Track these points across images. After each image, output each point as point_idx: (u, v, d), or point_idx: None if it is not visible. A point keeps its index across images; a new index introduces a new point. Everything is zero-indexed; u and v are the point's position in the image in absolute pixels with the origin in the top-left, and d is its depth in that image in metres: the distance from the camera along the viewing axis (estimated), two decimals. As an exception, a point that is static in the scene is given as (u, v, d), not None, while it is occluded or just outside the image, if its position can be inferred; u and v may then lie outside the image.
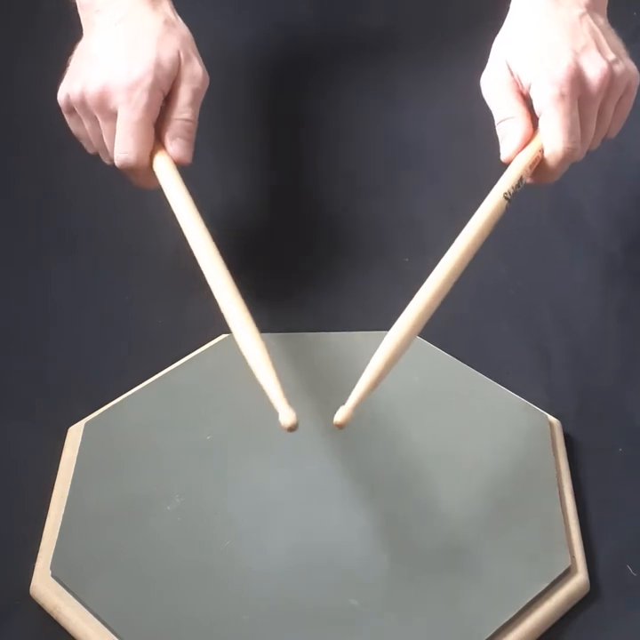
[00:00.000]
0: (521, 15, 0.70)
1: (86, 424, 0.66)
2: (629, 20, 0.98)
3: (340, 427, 0.54)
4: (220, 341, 0.72)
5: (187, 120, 0.71)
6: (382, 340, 0.72)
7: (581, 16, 0.69)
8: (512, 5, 0.72)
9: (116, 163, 0.69)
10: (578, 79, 0.65)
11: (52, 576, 0.58)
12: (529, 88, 0.67)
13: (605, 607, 0.59)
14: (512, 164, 0.66)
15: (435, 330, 0.72)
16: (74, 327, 0.75)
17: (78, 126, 0.73)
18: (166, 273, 0.79)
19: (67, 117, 0.73)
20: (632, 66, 0.69)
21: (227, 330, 0.72)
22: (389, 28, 1.01)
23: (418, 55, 0.98)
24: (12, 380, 0.71)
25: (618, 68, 0.67)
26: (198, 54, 0.73)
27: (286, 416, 0.53)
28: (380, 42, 1.00)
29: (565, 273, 0.79)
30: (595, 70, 0.66)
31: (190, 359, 0.71)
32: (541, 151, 0.66)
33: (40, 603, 0.59)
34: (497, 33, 0.72)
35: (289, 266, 0.79)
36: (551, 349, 0.73)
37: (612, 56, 0.67)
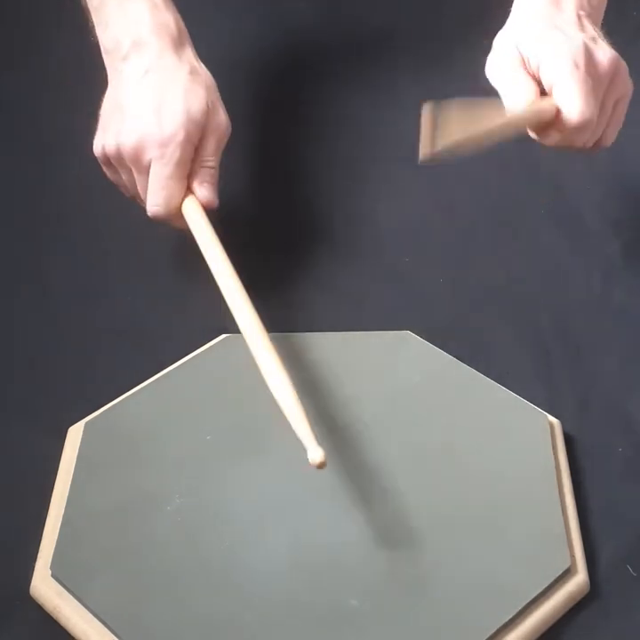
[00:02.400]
0: (524, 15, 0.70)
1: (86, 424, 0.66)
2: (629, 19, 0.99)
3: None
4: (219, 341, 0.72)
5: (211, 167, 0.73)
6: (382, 340, 0.72)
7: (583, 18, 0.69)
8: (513, 10, 0.72)
9: (149, 214, 0.72)
10: (590, 57, 0.65)
11: (52, 576, 0.58)
12: (538, 67, 0.66)
13: (605, 607, 0.59)
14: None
15: (435, 330, 0.72)
16: (74, 327, 0.75)
17: (115, 176, 0.75)
18: (166, 273, 0.79)
19: (104, 168, 0.76)
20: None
21: (227, 330, 0.72)
22: (389, 27, 1.01)
23: (418, 55, 0.98)
24: (12, 380, 0.71)
25: (623, 63, 0.67)
26: (221, 102, 0.75)
27: (315, 454, 0.55)
28: (380, 41, 1.00)
29: (565, 274, 0.79)
30: (605, 54, 0.66)
31: (190, 359, 0.71)
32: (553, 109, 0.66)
33: (40, 603, 0.59)
34: (497, 34, 0.72)
35: (288, 266, 0.79)
36: (551, 349, 0.73)
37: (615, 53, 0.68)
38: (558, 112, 0.65)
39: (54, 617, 0.58)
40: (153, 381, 0.69)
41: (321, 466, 0.55)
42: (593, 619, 0.58)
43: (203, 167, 0.73)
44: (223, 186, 0.86)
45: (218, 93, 0.75)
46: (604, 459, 0.66)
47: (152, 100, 0.71)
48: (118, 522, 0.60)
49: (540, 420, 0.66)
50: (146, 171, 0.71)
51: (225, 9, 1.02)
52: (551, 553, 0.59)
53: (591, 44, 0.67)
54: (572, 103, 0.65)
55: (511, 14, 0.71)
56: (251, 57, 0.99)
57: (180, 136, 0.70)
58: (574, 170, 0.81)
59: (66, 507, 0.61)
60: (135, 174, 0.72)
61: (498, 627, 0.56)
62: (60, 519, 0.61)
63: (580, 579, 0.59)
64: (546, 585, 0.57)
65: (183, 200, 0.72)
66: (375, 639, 0.56)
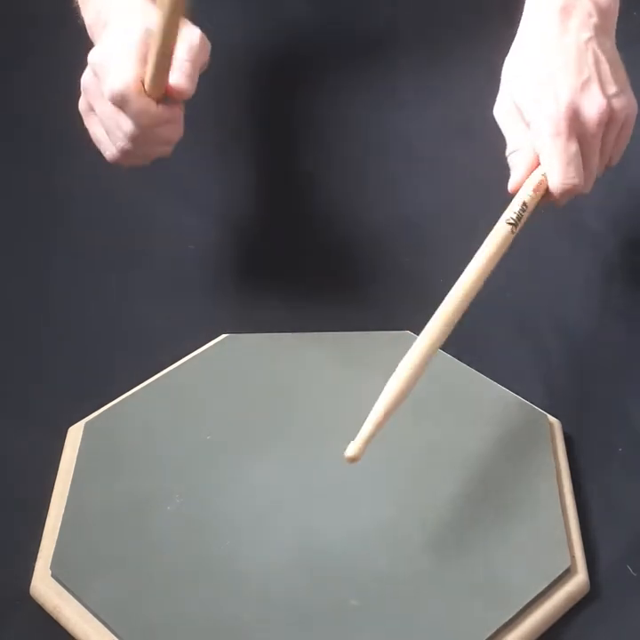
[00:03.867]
0: (528, 38, 0.70)
1: (86, 424, 0.66)
2: (629, 20, 0.98)
3: (353, 460, 0.55)
4: (219, 341, 0.72)
5: (186, 69, 0.68)
6: (382, 340, 0.72)
7: (588, 41, 0.68)
8: (521, 23, 0.71)
9: (108, 96, 0.67)
10: (575, 118, 0.66)
11: (52, 576, 0.58)
12: (529, 125, 0.67)
13: (605, 607, 0.59)
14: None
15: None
16: (74, 327, 0.75)
17: (95, 126, 0.72)
18: (166, 273, 0.79)
19: (85, 120, 0.72)
20: (633, 99, 0.69)
21: (227, 330, 0.72)
22: (389, 28, 1.01)
23: (418, 55, 0.98)
24: (12, 380, 0.71)
25: (617, 102, 0.67)
26: (197, 27, 0.71)
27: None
28: (380, 42, 1.00)
29: (565, 274, 0.79)
30: (592, 108, 0.66)
31: (190, 359, 0.71)
32: (545, 176, 0.67)
33: (40, 603, 0.59)
34: (497, 34, 0.72)
35: (289, 266, 0.79)
36: (551, 349, 0.73)
37: (613, 89, 0.67)
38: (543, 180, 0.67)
39: (54, 617, 0.58)
40: (153, 381, 0.69)
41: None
42: (593, 619, 0.58)
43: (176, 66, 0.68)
44: (223, 186, 0.86)
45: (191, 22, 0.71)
46: (604, 459, 0.66)
47: (117, 29, 0.70)
48: (118, 522, 0.61)
49: (540, 420, 0.66)
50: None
51: (222, 8, 1.02)
52: (551, 553, 0.59)
53: (580, 97, 0.66)
54: (553, 174, 0.66)
55: (516, 37, 0.71)
56: (249, 56, 0.99)
57: (139, 34, 0.68)
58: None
59: (66, 507, 0.61)
60: (105, 94, 0.68)
61: (498, 627, 0.56)
62: (60, 519, 0.61)
63: (579, 579, 0.59)
64: (546, 585, 0.57)
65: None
66: (375, 639, 0.56)
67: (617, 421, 0.68)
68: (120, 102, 0.68)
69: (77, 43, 0.76)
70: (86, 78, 0.70)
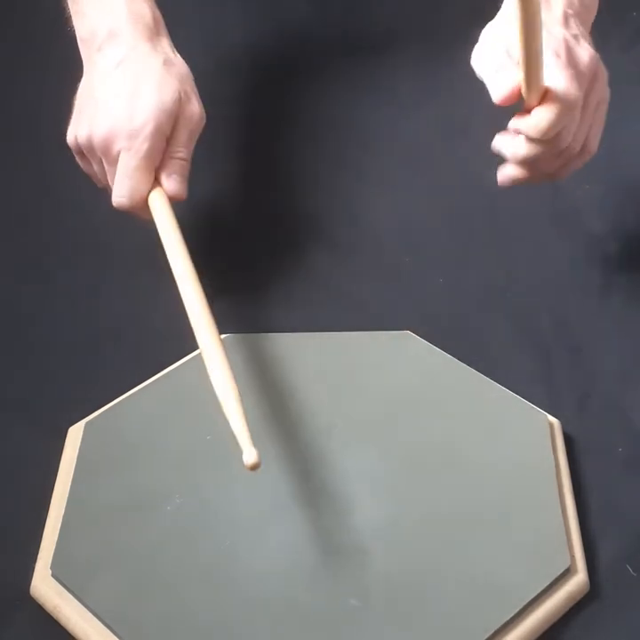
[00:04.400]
0: (512, 11, 0.70)
1: (86, 424, 0.66)
2: (630, 20, 0.98)
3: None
4: (220, 341, 0.72)
5: (182, 159, 0.72)
6: (382, 340, 0.72)
7: (570, 17, 0.69)
8: (503, 6, 0.72)
9: (113, 204, 0.71)
10: (570, 52, 0.65)
11: (53, 576, 0.58)
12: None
13: (605, 607, 0.59)
14: None
15: (435, 330, 0.72)
16: (74, 327, 0.75)
17: (87, 166, 0.75)
18: (166, 273, 0.79)
19: (76, 157, 0.76)
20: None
21: (227, 330, 0.72)
22: (389, 27, 1.01)
23: (418, 55, 0.98)
24: (13, 380, 0.71)
25: (602, 66, 0.67)
26: (197, 92, 0.74)
27: (249, 456, 0.54)
28: (380, 42, 1.00)
29: (564, 274, 0.79)
30: (585, 52, 0.66)
31: (190, 359, 0.71)
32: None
33: (40, 602, 0.59)
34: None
35: (288, 266, 0.79)
36: (551, 349, 0.73)
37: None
38: (547, 91, 0.64)
39: (54, 617, 0.58)
40: (153, 381, 0.69)
41: (254, 467, 0.54)
42: (593, 619, 0.58)
43: (173, 158, 0.72)
44: (223, 186, 0.86)
45: (193, 84, 0.74)
46: (604, 459, 0.66)
47: (124, 91, 0.71)
48: (118, 522, 0.61)
49: (540, 420, 0.66)
50: (115, 161, 0.71)
51: (222, 8, 1.02)
52: (551, 553, 0.59)
53: (572, 41, 0.66)
54: (557, 82, 0.64)
55: (500, 9, 0.71)
56: (249, 56, 0.99)
57: (150, 127, 0.69)
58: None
59: (66, 507, 0.61)
60: (105, 165, 0.72)
61: (498, 627, 0.56)
62: (61, 519, 0.61)
63: (579, 578, 0.59)
64: (546, 585, 0.57)
65: (150, 192, 0.71)
66: (375, 639, 0.56)
67: (617, 421, 0.68)
68: (125, 212, 0.71)
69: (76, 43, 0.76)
70: (81, 138, 0.72)
